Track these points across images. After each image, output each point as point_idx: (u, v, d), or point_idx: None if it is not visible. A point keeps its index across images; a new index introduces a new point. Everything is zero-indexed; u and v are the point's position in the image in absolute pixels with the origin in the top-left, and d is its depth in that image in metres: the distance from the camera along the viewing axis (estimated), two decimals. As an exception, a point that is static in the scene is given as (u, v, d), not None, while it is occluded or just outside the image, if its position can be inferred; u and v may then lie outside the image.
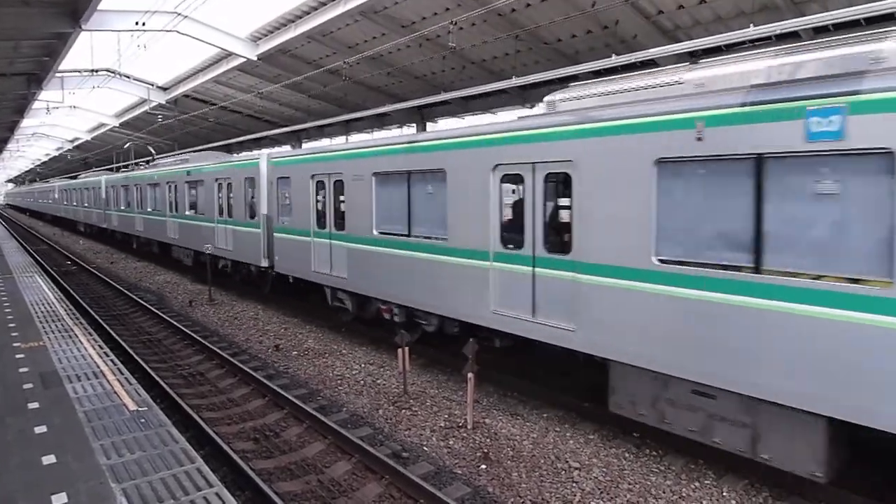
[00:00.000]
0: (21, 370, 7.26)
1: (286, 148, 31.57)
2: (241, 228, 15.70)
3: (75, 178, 46.89)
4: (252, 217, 15.26)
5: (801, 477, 5.66)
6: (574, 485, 6.19)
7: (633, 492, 6.04)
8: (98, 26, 17.41)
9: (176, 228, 20.67)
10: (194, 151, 27.43)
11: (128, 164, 39.05)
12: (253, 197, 15.25)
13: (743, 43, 12.07)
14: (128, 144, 34.21)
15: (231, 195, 16.41)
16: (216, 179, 17.17)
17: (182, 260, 20.69)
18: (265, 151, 16.09)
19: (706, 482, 6.20)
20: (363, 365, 10.31)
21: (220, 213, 17.08)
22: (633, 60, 12.48)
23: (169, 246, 22.19)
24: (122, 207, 27.89)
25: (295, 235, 13.06)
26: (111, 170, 43.41)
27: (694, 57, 13.62)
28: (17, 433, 5.44)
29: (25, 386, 6.70)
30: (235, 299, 16.53)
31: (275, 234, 13.97)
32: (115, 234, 30.53)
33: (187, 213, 19.76)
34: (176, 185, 20.67)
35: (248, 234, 15.31)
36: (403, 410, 8.24)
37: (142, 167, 28.93)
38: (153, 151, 32.32)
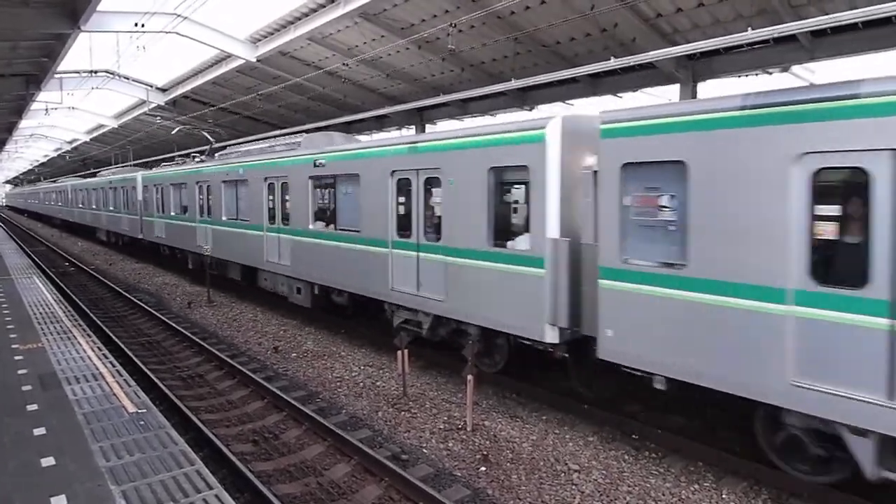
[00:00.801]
0: (20, 372, 7.25)
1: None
2: (475, 263, 8.62)
3: (94, 174, 41.55)
4: (502, 242, 8.39)
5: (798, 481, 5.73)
6: (573, 487, 6.19)
7: (633, 494, 6.04)
8: (97, 27, 17.38)
9: (284, 250, 13.49)
10: (307, 130, 19.49)
11: (172, 157, 32.02)
12: (515, 204, 8.53)
13: (741, 46, 12.13)
14: (177, 130, 25.65)
15: (437, 200, 9.52)
16: (394, 173, 10.15)
17: (289, 296, 13.81)
18: (557, 113, 8.44)
19: (705, 484, 6.21)
20: (362, 367, 10.31)
21: (404, 231, 9.92)
22: (631, 63, 12.54)
23: (257, 272, 15.11)
24: (174, 213, 20.69)
25: (693, 293, 6.09)
26: (144, 165, 37.08)
27: (692, 60, 13.70)
28: (15, 435, 5.43)
29: (24, 388, 6.69)
30: (234, 301, 16.51)
31: (603, 282, 6.91)
32: (162, 249, 22.90)
33: (312, 227, 12.58)
34: (287, 183, 13.44)
35: (503, 277, 8.20)
36: (403, 412, 8.23)
37: (194, 160, 21.82)
38: (210, 139, 23.70)
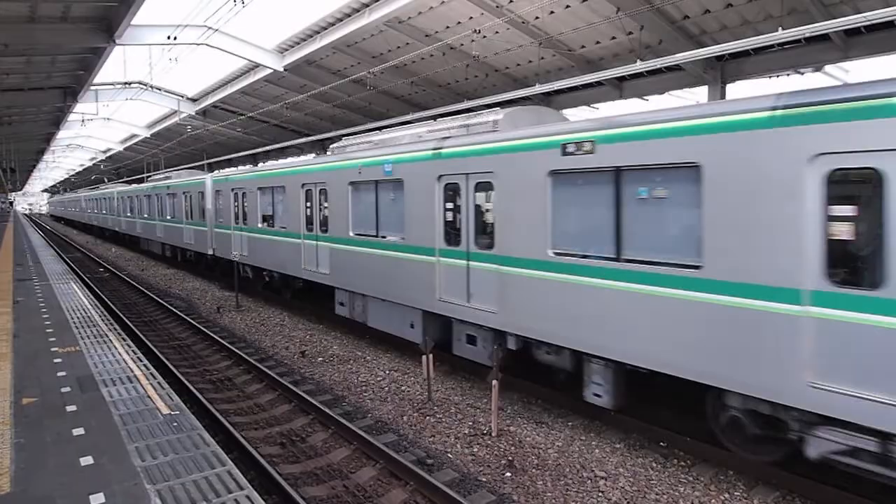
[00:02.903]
0: (59, 374, 7.49)
1: (310, 156, 31.51)
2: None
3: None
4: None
5: (832, 490, 5.57)
6: (600, 494, 6.13)
7: (661, 502, 5.96)
8: (131, 41, 17.96)
9: None
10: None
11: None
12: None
13: (771, 47, 11.92)
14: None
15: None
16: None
17: None
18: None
19: (736, 493, 6.09)
20: (388, 371, 10.38)
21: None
22: (658, 66, 12.41)
23: None
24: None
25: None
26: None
27: (721, 61, 13.49)
28: (56, 435, 5.62)
29: (63, 389, 6.91)
30: (262, 306, 16.80)
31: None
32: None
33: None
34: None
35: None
36: (428, 417, 8.26)
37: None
38: None
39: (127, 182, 46.68)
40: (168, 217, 25.01)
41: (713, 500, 5.97)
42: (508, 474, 6.57)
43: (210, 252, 20.10)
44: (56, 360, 8.11)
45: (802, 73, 12.80)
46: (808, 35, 10.34)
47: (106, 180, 63.76)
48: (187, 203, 22.39)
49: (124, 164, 54.98)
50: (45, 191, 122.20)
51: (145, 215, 29.27)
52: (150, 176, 33.60)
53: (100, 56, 17.85)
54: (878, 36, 11.06)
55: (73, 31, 15.43)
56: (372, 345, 12.22)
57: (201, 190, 20.47)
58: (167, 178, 26.46)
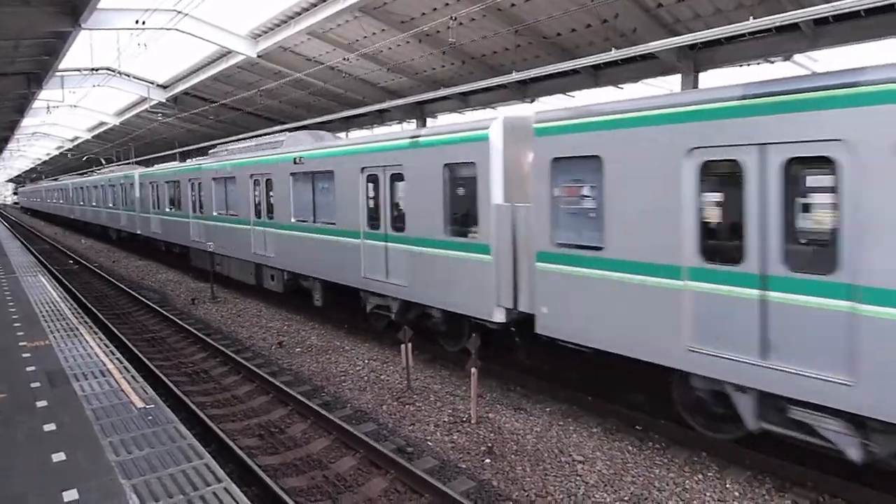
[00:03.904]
0: (28, 369, 7.32)
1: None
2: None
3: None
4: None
5: (801, 470, 5.76)
6: (578, 478, 6.24)
7: (637, 484, 6.09)
8: (98, 25, 17.39)
9: None
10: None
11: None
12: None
13: (743, 35, 12.07)
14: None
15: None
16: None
17: None
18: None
19: (709, 474, 6.25)
20: (366, 361, 10.37)
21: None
22: (632, 54, 12.48)
23: None
24: None
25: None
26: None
27: (693, 50, 13.63)
28: (26, 431, 5.50)
29: (33, 385, 6.76)
30: (238, 297, 16.59)
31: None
32: None
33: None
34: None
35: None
36: (407, 406, 8.29)
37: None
38: None
39: (139, 162, 37.59)
40: (293, 221, 13.47)
41: (687, 481, 6.12)
42: (488, 460, 6.65)
43: (501, 319, 8.42)
44: (25, 355, 7.92)
45: (773, 63, 13.00)
46: (778, 24, 10.47)
47: (103, 161, 49.35)
48: (375, 192, 10.84)
49: (93, 153, 53.39)
50: (11, 181, 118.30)
51: (215, 213, 17.59)
52: (212, 147, 21.35)
53: (65, 41, 17.21)
54: (845, 26, 11.27)
55: (37, 15, 14.84)
56: (350, 335, 12.18)
57: (468, 158, 8.61)
58: (275, 145, 15.07)
